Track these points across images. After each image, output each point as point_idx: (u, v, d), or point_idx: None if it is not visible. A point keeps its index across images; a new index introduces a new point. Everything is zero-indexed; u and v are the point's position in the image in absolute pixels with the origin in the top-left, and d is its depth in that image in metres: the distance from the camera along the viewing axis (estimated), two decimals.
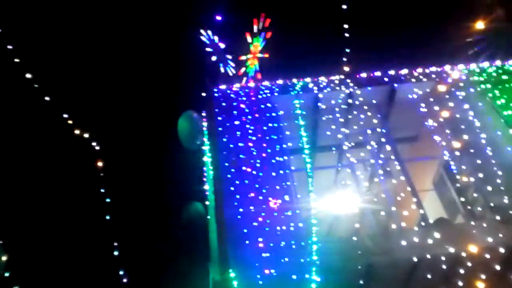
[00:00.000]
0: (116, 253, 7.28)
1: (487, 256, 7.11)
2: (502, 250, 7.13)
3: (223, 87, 9.63)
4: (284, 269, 7.07)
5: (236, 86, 9.61)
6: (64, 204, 9.01)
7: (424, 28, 9.58)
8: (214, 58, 9.38)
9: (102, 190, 7.61)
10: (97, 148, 7.79)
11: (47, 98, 7.75)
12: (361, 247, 7.33)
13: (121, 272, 7.23)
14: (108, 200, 7.66)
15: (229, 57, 9.37)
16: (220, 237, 7.39)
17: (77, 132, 7.84)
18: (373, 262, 7.21)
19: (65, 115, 7.91)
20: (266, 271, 7.01)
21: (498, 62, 9.73)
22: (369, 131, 9.92)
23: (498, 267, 7.14)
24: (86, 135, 7.89)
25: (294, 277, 7.02)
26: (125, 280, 7.47)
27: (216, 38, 9.15)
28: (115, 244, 7.28)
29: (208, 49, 9.25)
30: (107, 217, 7.55)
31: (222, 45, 9.20)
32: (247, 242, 7.34)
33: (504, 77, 9.48)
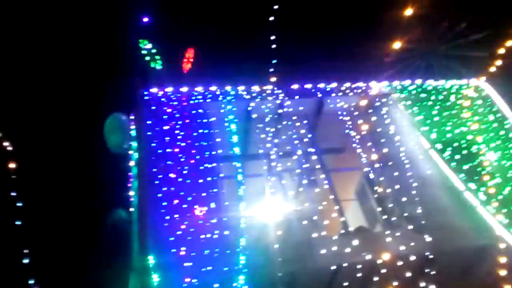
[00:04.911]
0: (26, 260, 6.81)
1: (400, 263, 7.52)
2: (413, 257, 7.58)
3: (154, 90, 9.43)
4: (207, 277, 7.03)
5: (168, 90, 9.45)
6: None
7: (352, 44, 10.04)
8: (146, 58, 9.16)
9: (14, 194, 7.10)
10: (10, 148, 7.29)
11: None
12: (283, 255, 7.46)
13: (31, 281, 6.77)
14: (19, 204, 7.15)
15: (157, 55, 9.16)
16: (142, 245, 7.20)
17: None
18: (294, 270, 7.36)
19: None
20: (187, 280, 6.92)
21: (418, 81, 10.44)
22: (296, 141, 10.16)
23: (409, 274, 7.56)
24: None
25: (216, 285, 6.99)
26: None
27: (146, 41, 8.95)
28: (26, 251, 6.81)
29: (138, 51, 9.03)
30: (18, 223, 7.05)
31: (151, 46, 9.01)
32: (173, 250, 7.21)
33: (423, 95, 10.17)
